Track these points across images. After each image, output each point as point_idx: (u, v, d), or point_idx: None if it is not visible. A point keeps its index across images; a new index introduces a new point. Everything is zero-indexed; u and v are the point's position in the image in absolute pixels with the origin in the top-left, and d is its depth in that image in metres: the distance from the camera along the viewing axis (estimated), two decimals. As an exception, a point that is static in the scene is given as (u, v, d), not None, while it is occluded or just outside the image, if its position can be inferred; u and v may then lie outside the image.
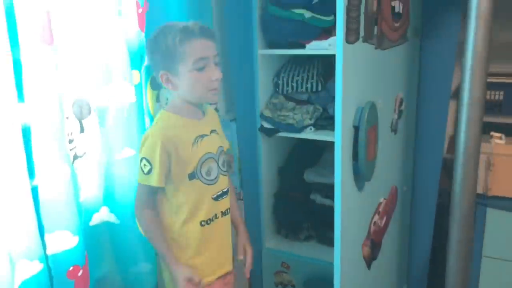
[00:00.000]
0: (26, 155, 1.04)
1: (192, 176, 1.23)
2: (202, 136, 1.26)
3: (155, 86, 1.50)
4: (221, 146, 1.31)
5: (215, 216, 1.29)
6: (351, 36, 1.19)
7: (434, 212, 1.64)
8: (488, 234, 1.63)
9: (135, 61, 1.34)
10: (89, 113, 1.28)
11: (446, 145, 1.63)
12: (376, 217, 1.48)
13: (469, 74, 1.11)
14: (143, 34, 1.33)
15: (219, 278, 1.33)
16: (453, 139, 1.30)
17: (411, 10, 1.48)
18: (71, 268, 1.18)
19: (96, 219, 1.33)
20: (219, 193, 1.30)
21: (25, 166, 1.04)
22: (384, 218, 1.52)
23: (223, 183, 1.31)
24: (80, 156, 1.25)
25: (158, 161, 1.17)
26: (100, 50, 1.23)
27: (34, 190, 1.08)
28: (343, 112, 1.17)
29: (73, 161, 1.22)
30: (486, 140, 1.56)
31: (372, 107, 1.30)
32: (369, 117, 1.26)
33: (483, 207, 1.61)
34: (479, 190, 1.54)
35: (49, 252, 1.13)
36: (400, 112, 1.53)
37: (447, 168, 1.62)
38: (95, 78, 1.25)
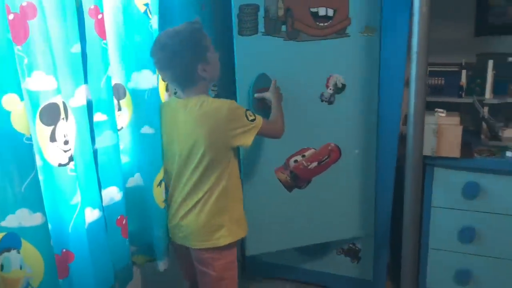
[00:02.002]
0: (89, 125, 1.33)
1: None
2: None
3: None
4: None
5: None
6: (244, 31, 1.84)
7: (393, 173, 2.02)
8: (436, 188, 2.05)
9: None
10: (125, 95, 1.58)
11: (402, 119, 2.03)
12: (299, 158, 2.00)
13: (415, 63, 1.52)
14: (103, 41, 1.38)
15: None
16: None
17: (357, 12, 1.89)
18: (118, 217, 1.46)
19: (131, 182, 1.62)
20: None
21: (89, 134, 1.33)
22: (315, 164, 2.01)
23: None
24: (119, 130, 1.54)
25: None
26: (134, 43, 1.51)
27: (95, 153, 1.37)
28: (243, 78, 1.85)
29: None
30: (432, 114, 1.98)
31: (262, 75, 1.86)
32: (259, 82, 1.86)
33: (431, 166, 2.02)
34: (428, 153, 1.96)
35: (104, 203, 1.42)
36: (338, 88, 1.95)
37: (403, 138, 2.02)
38: (131, 66, 1.54)
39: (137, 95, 1.56)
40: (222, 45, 1.96)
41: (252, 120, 1.53)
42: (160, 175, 1.63)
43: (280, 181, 2.01)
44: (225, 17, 1.94)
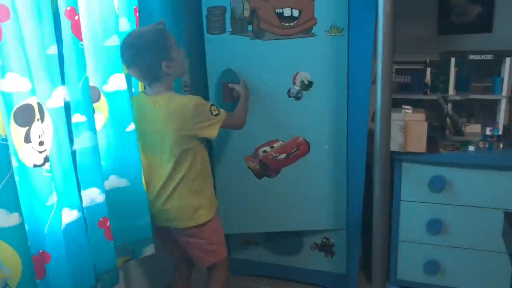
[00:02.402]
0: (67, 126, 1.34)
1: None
2: None
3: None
4: None
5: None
6: (213, 30, 2.05)
7: (364, 168, 2.08)
8: (404, 182, 2.13)
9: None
10: (99, 97, 1.59)
11: (370, 116, 2.10)
12: (267, 148, 2.14)
13: (380, 62, 1.59)
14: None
15: None
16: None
17: (323, 13, 1.97)
18: (101, 219, 1.47)
19: (106, 185, 1.62)
20: None
21: (67, 136, 1.34)
22: (284, 155, 2.13)
23: None
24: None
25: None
26: (112, 45, 1.53)
27: (73, 155, 1.38)
28: (213, 73, 2.07)
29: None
30: (399, 111, 2.06)
31: (228, 70, 2.04)
32: (223, 77, 2.06)
33: (400, 161, 2.11)
34: (396, 148, 2.04)
35: (84, 204, 1.43)
36: (305, 85, 2.05)
37: (372, 134, 2.09)
38: (109, 68, 1.55)
39: (117, 96, 1.59)
40: (194, 43, 2.14)
41: (216, 115, 1.70)
42: None
43: (250, 169, 2.17)
44: (196, 18, 2.08)
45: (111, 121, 1.61)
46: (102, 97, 1.58)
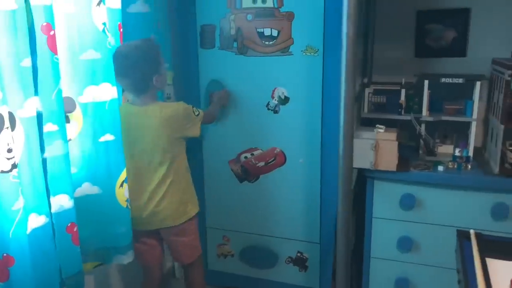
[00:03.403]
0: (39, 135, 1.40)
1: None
2: None
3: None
4: None
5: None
6: (205, 45, 2.25)
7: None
8: (376, 200, 2.18)
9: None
10: (74, 107, 1.65)
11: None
12: (248, 155, 2.31)
13: (344, 81, 1.65)
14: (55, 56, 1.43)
15: None
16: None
17: (300, 34, 2.08)
18: (69, 224, 1.52)
19: (79, 192, 1.69)
20: None
21: (38, 144, 1.39)
22: (262, 163, 2.29)
23: None
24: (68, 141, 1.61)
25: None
26: (89, 59, 1.61)
27: (44, 162, 1.43)
28: (205, 81, 2.29)
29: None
30: (372, 130, 2.12)
31: (214, 81, 2.27)
32: (211, 86, 2.29)
33: (372, 179, 2.16)
34: (367, 166, 2.09)
35: (53, 210, 1.48)
36: (282, 100, 2.17)
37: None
38: (85, 80, 1.62)
39: (95, 107, 1.65)
40: (182, 56, 2.32)
41: (197, 115, 1.92)
42: (122, 176, 1.75)
43: (233, 171, 2.35)
44: (184, 33, 2.27)
45: (85, 131, 1.67)
46: (77, 108, 1.65)
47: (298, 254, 2.35)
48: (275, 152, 2.26)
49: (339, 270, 1.94)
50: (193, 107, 1.92)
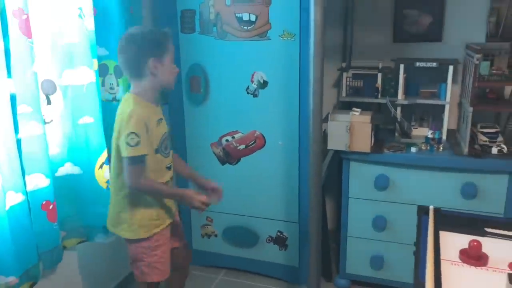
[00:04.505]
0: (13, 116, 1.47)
1: (156, 151, 1.60)
2: (161, 119, 1.64)
3: (102, 73, 1.95)
4: (168, 128, 1.71)
5: (168, 182, 1.70)
6: (185, 30, 2.28)
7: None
8: (352, 180, 2.24)
9: (93, 52, 1.79)
10: (55, 90, 1.71)
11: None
12: (229, 138, 2.37)
13: (312, 66, 1.71)
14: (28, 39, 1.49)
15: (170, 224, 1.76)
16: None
17: (277, 19, 2.12)
18: (44, 202, 1.60)
19: (61, 171, 1.76)
20: (170, 164, 1.70)
21: (12, 124, 1.46)
22: (243, 146, 2.34)
23: (171, 156, 1.72)
24: (48, 123, 1.68)
25: (144, 134, 1.49)
26: (67, 41, 1.66)
27: (18, 142, 1.50)
28: (186, 65, 2.31)
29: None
30: (347, 113, 2.18)
31: (194, 65, 2.30)
32: (191, 71, 2.31)
33: (347, 161, 2.22)
34: (343, 148, 2.16)
35: (28, 188, 1.55)
36: (261, 84, 2.22)
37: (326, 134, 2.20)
38: (63, 64, 1.68)
39: (73, 90, 1.71)
40: None
41: (131, 144, 1.50)
42: (102, 158, 1.82)
43: (214, 154, 2.41)
44: (164, 18, 2.30)
45: (65, 113, 1.73)
46: (58, 90, 1.71)
47: (278, 234, 2.43)
48: (255, 135, 2.33)
49: (312, 248, 2.01)
50: (136, 134, 1.49)
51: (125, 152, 1.50)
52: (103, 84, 1.98)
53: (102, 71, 1.94)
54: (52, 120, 1.70)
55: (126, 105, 1.55)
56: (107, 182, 1.88)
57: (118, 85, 1.99)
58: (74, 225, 1.85)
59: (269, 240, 2.46)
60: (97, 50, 1.85)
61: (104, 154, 1.86)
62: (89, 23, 1.78)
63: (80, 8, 1.69)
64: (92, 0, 1.76)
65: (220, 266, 2.60)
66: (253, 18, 2.16)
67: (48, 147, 1.61)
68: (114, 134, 1.56)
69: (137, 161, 1.52)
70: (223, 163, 2.42)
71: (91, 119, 1.78)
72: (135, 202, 1.63)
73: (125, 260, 1.77)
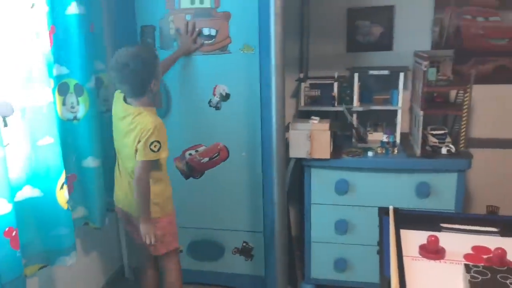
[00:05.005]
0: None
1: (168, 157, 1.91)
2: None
3: (62, 92, 1.93)
4: None
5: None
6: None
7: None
8: (314, 186, 2.31)
9: (50, 71, 1.77)
10: (12, 111, 1.66)
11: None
12: (193, 152, 2.38)
13: (274, 77, 1.77)
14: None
15: None
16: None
17: (237, 33, 2.18)
18: (7, 229, 1.53)
19: (20, 195, 1.70)
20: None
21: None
22: (207, 159, 2.37)
23: None
24: (5, 146, 1.63)
25: (165, 141, 1.81)
26: (23, 62, 1.63)
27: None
28: None
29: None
30: (307, 122, 2.26)
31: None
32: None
33: (309, 168, 2.29)
34: (304, 155, 2.22)
35: (-10, 214, 1.49)
36: (223, 97, 2.27)
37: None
38: (19, 84, 1.64)
39: (32, 110, 1.68)
40: None
41: (154, 150, 1.80)
42: (62, 178, 1.79)
43: (178, 169, 2.40)
44: (124, 34, 2.33)
45: (23, 134, 1.69)
46: (15, 112, 1.66)
47: (244, 244, 2.45)
48: (219, 147, 2.35)
49: (278, 256, 2.06)
50: (159, 142, 1.79)
51: (144, 156, 1.78)
52: (64, 103, 1.95)
53: (62, 90, 1.92)
54: (8, 143, 1.65)
55: (140, 118, 1.79)
56: (68, 202, 1.84)
57: (78, 104, 1.96)
58: (35, 250, 1.79)
59: (235, 251, 2.48)
60: (57, 69, 1.83)
61: (64, 175, 1.81)
62: (46, 43, 1.76)
63: (37, 28, 1.66)
64: (50, 19, 1.74)
65: (187, 282, 2.57)
66: (213, 32, 2.20)
67: (8, 171, 1.56)
68: (128, 141, 1.82)
69: (148, 166, 1.82)
70: (187, 177, 2.42)
71: (51, 139, 1.74)
72: (163, 184, 1.95)
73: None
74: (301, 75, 2.56)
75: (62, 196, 1.80)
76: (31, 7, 1.67)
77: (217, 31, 2.20)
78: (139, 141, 1.78)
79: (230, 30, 2.19)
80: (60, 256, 1.85)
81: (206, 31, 2.22)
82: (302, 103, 2.51)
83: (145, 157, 1.79)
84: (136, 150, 1.80)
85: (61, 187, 1.80)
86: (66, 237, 1.83)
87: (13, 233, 1.57)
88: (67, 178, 1.85)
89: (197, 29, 2.20)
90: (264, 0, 2.05)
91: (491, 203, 2.39)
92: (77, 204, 2.08)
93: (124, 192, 1.96)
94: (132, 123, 1.81)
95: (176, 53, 2.19)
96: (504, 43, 2.48)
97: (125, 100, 1.87)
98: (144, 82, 1.80)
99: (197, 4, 2.21)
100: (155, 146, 1.78)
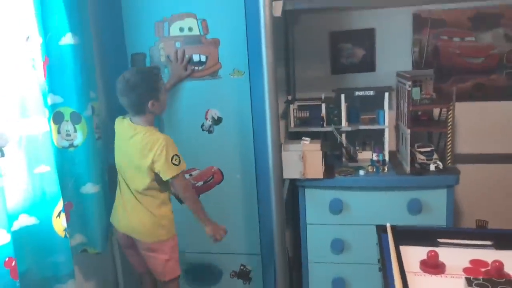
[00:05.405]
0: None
1: None
2: None
3: (57, 120, 1.93)
4: None
5: None
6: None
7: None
8: (309, 207, 2.35)
9: (45, 101, 1.77)
10: (7, 141, 1.66)
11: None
12: (187, 176, 2.33)
13: (267, 100, 1.82)
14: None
15: None
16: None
17: (227, 59, 2.22)
18: (7, 259, 1.51)
19: (15, 225, 1.69)
20: None
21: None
22: (201, 182, 2.37)
23: None
24: (2, 176, 1.62)
25: (179, 154, 1.92)
26: (19, 93, 1.64)
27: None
28: None
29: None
30: (299, 143, 2.30)
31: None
32: None
33: (302, 188, 2.33)
34: (297, 176, 2.26)
35: (-10, 245, 1.47)
36: (215, 120, 2.30)
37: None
38: (16, 115, 1.64)
39: (28, 140, 1.69)
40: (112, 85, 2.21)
41: (176, 164, 1.93)
42: (59, 207, 1.78)
43: (172, 194, 2.28)
44: (114, 62, 2.34)
45: (20, 164, 1.68)
46: (11, 141, 1.66)
47: (242, 267, 2.45)
48: (213, 170, 2.37)
49: (278, 278, 2.07)
50: (177, 155, 1.92)
51: (172, 173, 1.89)
52: (58, 132, 1.95)
53: (57, 119, 1.92)
54: (6, 174, 1.64)
55: (149, 135, 1.90)
56: (65, 230, 1.83)
57: (76, 131, 1.96)
58: (32, 279, 1.77)
59: (232, 275, 2.47)
60: (52, 98, 1.84)
61: (61, 203, 1.81)
62: (41, 73, 1.77)
63: (33, 59, 1.68)
64: (45, 49, 1.75)
65: (184, 306, 2.56)
66: (203, 58, 2.25)
67: (6, 201, 1.55)
68: (136, 161, 1.91)
69: (182, 177, 1.97)
70: (181, 202, 2.42)
71: (47, 167, 1.74)
72: (170, 205, 2.06)
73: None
74: (290, 97, 2.62)
75: (59, 224, 1.79)
76: (27, 40, 1.69)
77: (207, 57, 2.25)
78: (153, 159, 1.87)
79: (220, 56, 2.24)
80: (57, 283, 1.82)
81: (196, 58, 2.26)
82: (292, 125, 2.56)
83: (174, 173, 1.89)
84: (151, 168, 1.88)
85: (58, 215, 1.78)
86: (64, 264, 1.81)
87: (13, 263, 1.55)
88: (64, 206, 1.84)
89: (187, 56, 2.24)
90: (252, 26, 2.12)
91: (480, 217, 2.46)
92: (74, 232, 2.07)
93: (127, 216, 1.99)
94: (143, 139, 1.90)
95: (168, 82, 2.23)
96: (480, 61, 2.60)
97: (131, 120, 1.97)
98: (142, 98, 1.87)
99: (186, 32, 2.25)
100: (176, 160, 1.89)
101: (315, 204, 2.34)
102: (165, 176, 1.90)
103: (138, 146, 1.90)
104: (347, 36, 2.67)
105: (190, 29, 2.24)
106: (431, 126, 2.47)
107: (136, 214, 1.98)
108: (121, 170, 2.01)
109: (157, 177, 1.94)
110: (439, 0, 2.53)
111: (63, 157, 1.92)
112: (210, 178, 2.37)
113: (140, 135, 1.91)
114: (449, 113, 2.25)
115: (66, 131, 1.96)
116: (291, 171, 2.26)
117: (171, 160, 1.88)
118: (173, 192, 2.36)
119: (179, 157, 1.91)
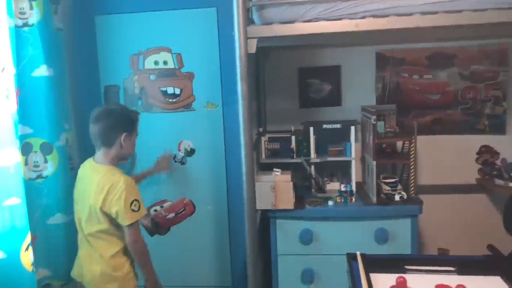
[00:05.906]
0: None
1: None
2: None
3: (25, 152, 1.91)
4: None
5: None
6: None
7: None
8: (279, 237, 2.38)
9: (17, 132, 1.76)
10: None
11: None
12: (158, 207, 2.37)
13: (242, 130, 1.88)
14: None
15: None
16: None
17: (201, 92, 2.29)
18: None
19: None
20: None
21: None
22: (173, 214, 2.35)
23: None
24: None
25: (140, 198, 1.78)
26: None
27: None
28: None
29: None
30: (270, 174, 2.36)
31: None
32: None
33: (274, 219, 2.37)
34: (269, 207, 2.31)
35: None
36: (188, 152, 2.33)
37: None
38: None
39: (0, 171, 1.68)
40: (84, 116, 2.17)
41: (135, 210, 1.77)
42: (27, 240, 1.75)
43: (143, 226, 2.30)
44: (87, 94, 2.34)
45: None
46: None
47: (213, 299, 2.43)
48: (184, 202, 2.37)
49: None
50: (138, 200, 1.77)
51: (130, 219, 1.74)
52: (26, 163, 1.92)
53: (25, 150, 1.90)
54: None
55: (110, 175, 1.76)
56: (32, 264, 1.78)
57: (46, 161, 1.94)
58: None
59: (205, 307, 2.45)
60: (21, 129, 1.83)
61: (29, 236, 1.77)
62: (13, 104, 1.76)
63: (7, 89, 1.68)
64: (17, 80, 1.75)
65: None
66: (177, 91, 2.30)
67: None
68: (92, 201, 1.74)
69: (137, 227, 1.80)
70: (152, 234, 2.38)
71: (17, 200, 1.72)
72: (122, 258, 1.82)
73: None
74: (261, 129, 2.69)
75: (27, 258, 1.75)
76: (1, 71, 1.69)
77: (181, 90, 2.30)
78: (111, 202, 1.71)
79: (194, 88, 2.30)
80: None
81: (170, 90, 2.31)
82: (263, 156, 2.62)
83: (131, 220, 1.74)
84: (109, 211, 1.73)
85: (26, 249, 1.75)
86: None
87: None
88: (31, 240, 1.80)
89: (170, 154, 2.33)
90: (225, 61, 2.21)
91: (441, 245, 2.57)
92: (38, 266, 2.00)
93: (80, 262, 1.86)
94: (102, 179, 1.75)
95: (149, 169, 2.27)
96: (437, 98, 2.79)
97: (94, 159, 1.86)
98: (117, 125, 1.80)
99: (161, 65, 2.31)
100: (135, 205, 1.74)
101: (285, 235, 2.37)
102: (123, 222, 1.74)
103: (96, 186, 1.75)
104: (315, 72, 2.81)
105: (165, 62, 2.30)
106: (395, 158, 2.59)
107: (87, 260, 1.82)
108: (78, 213, 1.85)
109: (114, 222, 1.77)
110: (400, 40, 2.71)
111: (31, 189, 1.89)
112: (182, 209, 2.37)
113: (100, 175, 1.77)
114: (411, 146, 2.38)
115: (34, 162, 1.94)
116: (263, 202, 2.30)
117: (130, 206, 1.73)
118: (146, 225, 2.35)
119: (139, 203, 1.76)
